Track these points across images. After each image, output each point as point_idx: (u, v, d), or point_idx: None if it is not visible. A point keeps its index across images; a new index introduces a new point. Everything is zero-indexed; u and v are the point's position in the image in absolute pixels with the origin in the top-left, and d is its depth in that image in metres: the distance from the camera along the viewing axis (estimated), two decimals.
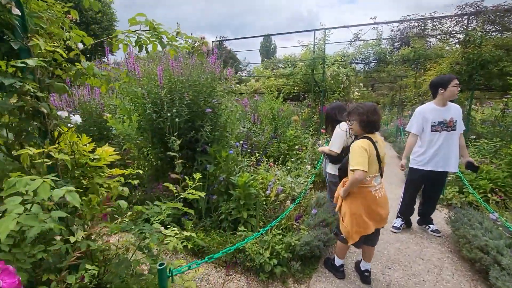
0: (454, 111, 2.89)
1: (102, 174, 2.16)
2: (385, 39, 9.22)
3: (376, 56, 11.11)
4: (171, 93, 2.89)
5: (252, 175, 2.85)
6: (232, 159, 2.97)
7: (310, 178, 3.11)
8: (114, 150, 2.14)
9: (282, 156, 5.30)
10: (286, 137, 5.41)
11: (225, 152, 2.87)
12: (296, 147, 5.25)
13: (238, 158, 3.02)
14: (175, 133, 2.92)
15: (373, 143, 2.01)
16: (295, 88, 8.83)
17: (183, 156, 3.18)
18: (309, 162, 3.95)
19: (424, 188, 3.17)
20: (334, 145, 2.70)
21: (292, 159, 4.85)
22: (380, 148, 2.05)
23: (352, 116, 2.13)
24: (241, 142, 2.84)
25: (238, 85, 10.50)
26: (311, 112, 7.57)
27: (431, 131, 2.95)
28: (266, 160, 4.84)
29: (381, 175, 2.13)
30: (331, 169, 2.85)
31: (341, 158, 2.73)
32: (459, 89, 2.84)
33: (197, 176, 2.19)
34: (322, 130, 5.39)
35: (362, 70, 11.83)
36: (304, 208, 3.31)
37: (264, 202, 3.00)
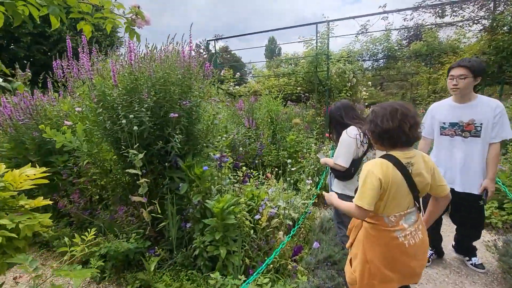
0: (481, 111, 2.04)
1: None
2: (397, 29, 8.45)
3: (385, 52, 10.35)
4: (128, 94, 2.27)
5: (234, 198, 2.19)
6: (210, 176, 2.32)
7: (311, 199, 2.42)
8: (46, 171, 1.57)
9: (282, 165, 4.62)
10: (286, 143, 4.73)
11: (199, 168, 2.22)
12: (298, 154, 4.56)
13: (217, 174, 2.36)
14: (137, 145, 2.29)
15: (400, 165, 1.32)
16: (298, 88, 8.15)
17: (152, 172, 2.55)
18: (310, 175, 3.27)
19: (451, 210, 2.39)
20: (340, 157, 2.02)
21: (293, 169, 4.16)
22: (419, 173, 1.34)
23: (365, 125, 1.48)
24: (220, 153, 2.17)
25: (237, 87, 9.89)
26: (316, 113, 6.87)
27: (440, 135, 2.24)
28: (263, 171, 4.17)
29: (420, 209, 1.44)
30: (338, 187, 2.17)
31: (350, 174, 2.05)
32: (462, 82, 2.03)
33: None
34: (326, 134, 4.69)
35: (370, 68, 11.07)
36: (304, 234, 2.62)
37: (253, 231, 2.33)
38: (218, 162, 2.24)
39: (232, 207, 2.07)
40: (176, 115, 2.20)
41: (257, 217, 2.43)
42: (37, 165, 3.11)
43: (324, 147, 4.34)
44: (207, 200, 2.20)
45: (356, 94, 9.72)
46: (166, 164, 2.40)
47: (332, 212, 2.44)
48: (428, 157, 1.42)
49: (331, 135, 2.36)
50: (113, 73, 2.19)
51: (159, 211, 2.27)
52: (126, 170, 2.27)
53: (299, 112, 6.93)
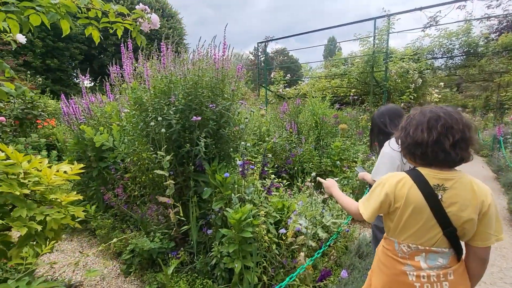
0: None
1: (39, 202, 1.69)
2: (478, 19, 7.10)
3: (463, 48, 8.82)
4: (160, 97, 2.32)
5: (254, 209, 2.04)
6: (233, 183, 2.22)
7: (346, 219, 2.09)
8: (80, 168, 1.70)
9: (325, 173, 4.27)
10: (331, 149, 4.36)
11: (220, 175, 2.13)
12: (343, 163, 4.14)
13: (242, 181, 2.24)
14: (165, 146, 2.33)
15: (425, 186, 1.03)
16: (352, 90, 7.52)
17: (183, 174, 2.58)
18: (353, 189, 2.88)
19: None
20: (380, 173, 1.68)
21: (335, 179, 3.79)
22: (454, 202, 1.01)
23: (396, 131, 1.20)
24: (244, 159, 2.05)
25: (287, 89, 9.69)
26: (370, 118, 6.21)
27: None
28: (302, 179, 3.91)
29: (459, 253, 1.07)
30: None
31: None
32: None
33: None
34: (375, 143, 4.15)
35: (443, 66, 9.58)
36: (337, 257, 2.30)
37: (275, 246, 2.14)
38: (241, 170, 2.11)
39: (251, 219, 1.92)
40: (199, 118, 2.15)
41: (282, 231, 2.23)
42: (93, 159, 3.47)
43: (374, 157, 3.83)
44: (227, 208, 2.09)
45: (424, 97, 8.52)
46: (192, 167, 2.39)
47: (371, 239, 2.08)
48: (483, 188, 1.03)
49: (371, 147, 2.02)
50: (147, 77, 2.27)
51: (181, 214, 2.26)
52: (154, 171, 2.33)
53: (353, 116, 6.36)
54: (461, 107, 1.50)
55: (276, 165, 4.46)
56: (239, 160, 2.16)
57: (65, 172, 1.86)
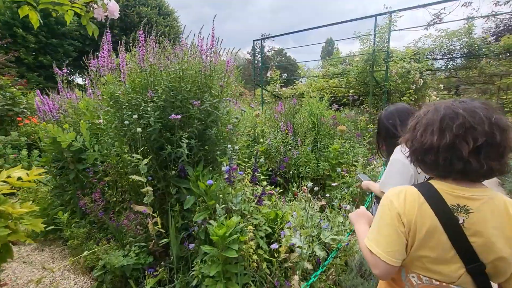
0: None
1: None
2: (484, 17, 6.92)
3: (464, 49, 8.63)
4: (137, 92, 2.05)
5: (241, 221, 1.77)
6: (218, 192, 1.94)
7: (346, 235, 1.82)
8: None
9: (322, 178, 4.01)
10: (329, 152, 4.10)
11: (203, 182, 1.85)
12: (342, 167, 3.89)
13: (229, 189, 1.96)
14: (144, 148, 2.05)
15: (440, 204, 0.80)
16: (350, 90, 7.29)
17: (165, 179, 2.30)
18: (352, 197, 2.62)
19: None
20: (390, 184, 1.42)
21: (334, 184, 3.53)
22: (479, 231, 0.78)
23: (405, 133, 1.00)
24: (232, 164, 1.78)
25: (284, 88, 9.44)
26: (369, 120, 5.97)
27: None
28: (298, 184, 3.65)
29: None
30: None
31: None
32: None
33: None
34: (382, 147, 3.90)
35: (443, 68, 9.39)
36: (335, 276, 2.04)
37: (266, 264, 1.86)
38: (227, 176, 1.83)
39: (237, 235, 1.64)
40: (179, 116, 1.88)
41: (274, 246, 1.96)
42: (70, 160, 3.17)
43: (375, 161, 3.59)
44: (211, 221, 1.82)
45: (423, 99, 8.32)
46: (173, 172, 2.12)
47: None
48: (507, 204, 0.78)
49: (379, 151, 1.75)
50: (122, 70, 1.99)
51: (159, 225, 1.98)
52: (130, 176, 2.05)
53: (352, 117, 6.10)
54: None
55: (271, 169, 4.19)
56: (226, 165, 1.89)
57: (19, 178, 1.58)
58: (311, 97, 4.88)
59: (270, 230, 2.04)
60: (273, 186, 4.13)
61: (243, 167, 2.28)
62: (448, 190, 0.80)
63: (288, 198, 3.34)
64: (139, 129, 1.91)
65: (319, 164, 3.96)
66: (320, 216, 2.75)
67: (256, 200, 2.06)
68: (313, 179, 4.03)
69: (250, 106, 2.33)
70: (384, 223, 0.86)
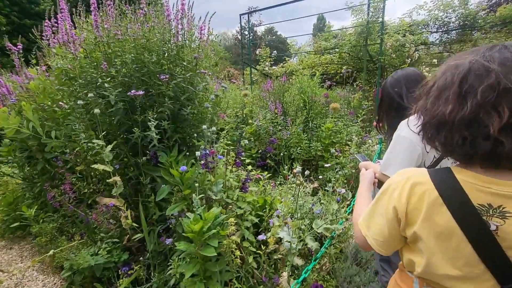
0: None
1: None
2: None
3: (459, 21, 8.31)
4: (93, 66, 1.72)
5: (222, 212, 1.54)
6: (195, 180, 1.69)
7: (339, 221, 1.61)
8: None
9: (315, 159, 3.81)
10: (321, 132, 3.87)
11: (175, 170, 1.60)
12: (335, 146, 3.68)
13: (209, 177, 1.72)
14: (106, 132, 1.77)
15: (459, 202, 0.57)
16: (344, 66, 6.97)
17: (133, 167, 2.03)
18: (346, 179, 2.41)
19: None
20: (393, 165, 1.19)
21: (327, 165, 3.33)
22: None
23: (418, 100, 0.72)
24: (204, 147, 1.53)
25: (274, 67, 9.03)
26: (363, 97, 5.73)
27: None
28: (288, 167, 3.43)
29: None
30: None
31: None
32: None
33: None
34: (374, 124, 3.68)
35: (437, 41, 9.08)
36: (329, 266, 1.86)
37: (252, 258, 1.66)
38: (203, 162, 1.58)
39: (217, 229, 1.42)
40: (140, 93, 1.58)
41: (261, 237, 1.76)
42: (36, 149, 2.85)
43: (370, 140, 3.38)
44: (188, 213, 1.58)
45: None
46: (144, 158, 1.85)
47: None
48: None
49: (379, 126, 1.51)
50: (72, 39, 1.65)
51: (129, 218, 1.74)
52: (92, 166, 1.78)
53: (344, 96, 5.83)
54: None
55: (260, 151, 3.96)
56: (205, 148, 1.63)
57: None
58: (302, 74, 4.57)
59: (256, 220, 1.82)
60: (263, 170, 3.93)
61: (225, 150, 2.03)
62: (475, 183, 0.57)
63: (279, 182, 3.14)
64: (96, 110, 1.61)
65: (311, 145, 3.74)
66: (312, 200, 2.56)
67: (241, 187, 1.83)
68: (305, 161, 3.82)
69: (232, 81, 2.04)
70: (378, 212, 0.72)
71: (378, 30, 5.35)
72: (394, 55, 5.70)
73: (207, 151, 1.59)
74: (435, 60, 9.60)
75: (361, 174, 1.17)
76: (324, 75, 6.98)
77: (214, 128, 1.64)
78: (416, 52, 5.92)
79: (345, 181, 2.71)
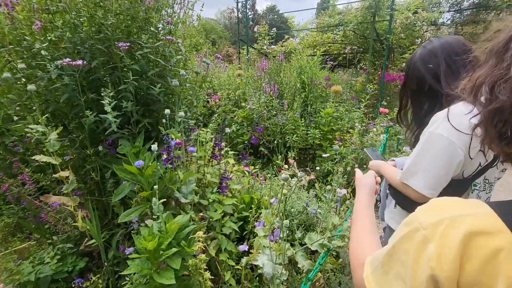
0: None
1: None
2: None
3: (474, 0, 7.71)
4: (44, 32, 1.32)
5: (193, 218, 1.22)
6: (159, 177, 1.35)
7: (338, 228, 1.28)
8: None
9: (312, 148, 3.47)
10: (320, 118, 3.51)
11: (130, 166, 1.25)
12: (335, 134, 3.33)
13: (178, 174, 1.38)
14: (46, 115, 1.40)
15: None
16: (347, 47, 6.46)
17: (91, 159, 1.68)
18: (345, 175, 2.08)
19: None
20: (420, 172, 0.84)
21: (325, 155, 2.99)
22: None
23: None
24: (168, 138, 1.17)
25: (273, 46, 8.47)
26: (367, 80, 5.30)
27: None
28: (282, 156, 3.10)
29: None
30: (397, 216, 1.05)
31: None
32: None
33: None
34: (381, 110, 3.32)
35: (449, 22, 8.49)
36: (325, 280, 1.57)
37: (230, 274, 1.36)
38: (165, 157, 1.23)
39: (178, 247, 1.09)
40: (78, 62, 1.20)
41: (242, 247, 1.45)
42: None
43: (375, 128, 3.03)
44: (148, 221, 1.26)
45: None
46: (101, 148, 1.50)
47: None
48: None
49: (400, 115, 1.13)
50: None
51: (80, 221, 1.41)
52: (33, 157, 1.43)
53: (346, 79, 5.38)
54: None
55: (253, 137, 3.61)
56: (167, 136, 1.27)
57: None
58: (301, 54, 4.12)
59: (236, 227, 1.51)
60: (256, 158, 3.61)
61: (211, 138, 1.68)
62: None
63: (270, 175, 2.81)
64: (30, 87, 1.24)
65: (308, 132, 3.39)
66: (307, 197, 2.25)
67: (218, 186, 1.49)
68: (301, 149, 3.49)
69: (216, 56, 1.68)
70: (396, 271, 0.40)
71: (388, 5, 4.83)
72: (403, 34, 5.22)
73: (173, 142, 1.24)
74: None
75: (357, 179, 0.83)
76: (326, 56, 6.49)
77: (182, 113, 1.28)
78: (427, 32, 5.42)
79: (344, 172, 2.39)
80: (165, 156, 1.24)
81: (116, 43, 1.33)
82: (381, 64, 5.47)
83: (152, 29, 1.38)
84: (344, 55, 6.67)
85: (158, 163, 1.29)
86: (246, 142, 3.69)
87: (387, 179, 1.00)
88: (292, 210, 1.97)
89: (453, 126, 0.76)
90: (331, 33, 6.31)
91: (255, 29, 8.01)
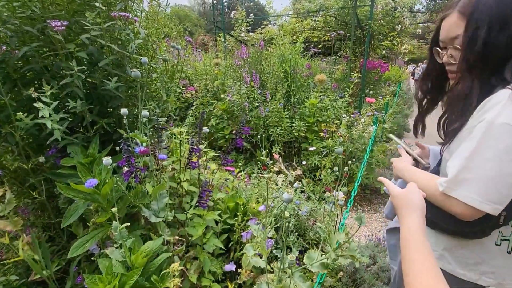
0: None
1: None
2: None
3: None
4: None
5: (168, 242, 0.98)
6: (125, 192, 1.09)
7: (327, 257, 1.12)
8: None
9: (296, 142, 3.30)
10: (304, 109, 3.32)
11: (78, 185, 0.98)
12: (321, 126, 3.17)
13: (141, 187, 1.12)
14: None
15: None
16: (328, 34, 6.29)
17: (31, 172, 1.36)
18: (331, 165, 1.91)
19: None
20: (477, 179, 0.60)
21: (311, 149, 2.82)
22: None
23: None
24: (125, 146, 0.89)
25: (251, 33, 8.13)
26: (348, 68, 5.18)
27: None
28: (266, 152, 2.89)
29: None
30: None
31: (490, 225, 0.68)
32: None
33: None
34: (368, 100, 3.18)
35: (423, 9, 8.58)
36: None
37: None
38: (126, 170, 0.97)
39: (148, 284, 0.85)
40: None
41: (228, 267, 1.24)
42: None
43: (362, 119, 2.89)
44: (109, 250, 1.00)
45: (400, 46, 7.64)
46: (43, 158, 1.20)
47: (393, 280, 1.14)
48: None
49: (429, 90, 0.86)
50: None
51: (21, 250, 1.12)
52: None
53: (325, 67, 5.21)
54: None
55: (235, 131, 3.36)
56: (126, 142, 1.01)
57: None
58: (282, 41, 3.88)
59: (221, 245, 1.29)
60: (238, 153, 3.38)
61: (178, 142, 1.42)
62: None
63: (255, 173, 2.60)
64: None
65: (293, 124, 3.20)
66: (298, 197, 2.07)
67: (198, 203, 1.25)
68: (286, 143, 3.30)
69: (185, 39, 1.46)
70: None
71: None
72: (383, 20, 5.12)
73: (138, 149, 0.97)
74: (419, 30, 9.18)
75: (397, 197, 0.64)
76: (306, 43, 6.29)
77: (146, 112, 1.01)
78: (407, 19, 5.37)
79: (331, 167, 2.23)
80: (126, 168, 0.97)
81: (48, 22, 1.02)
82: (362, 52, 5.37)
83: (98, 4, 1.07)
84: (324, 43, 6.52)
85: (118, 178, 1.02)
86: (227, 137, 3.44)
87: (422, 187, 0.71)
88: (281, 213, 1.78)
89: None
90: (311, 20, 6.09)
91: (232, 15, 7.61)
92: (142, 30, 1.23)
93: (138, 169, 1.00)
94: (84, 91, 1.36)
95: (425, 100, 0.88)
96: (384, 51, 5.95)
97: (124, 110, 0.94)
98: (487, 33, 0.61)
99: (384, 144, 3.15)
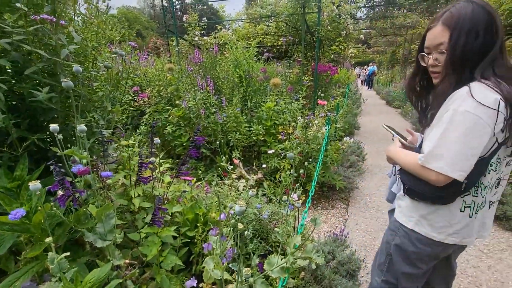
0: None
1: None
2: None
3: None
4: None
5: (119, 266, 0.89)
6: (63, 217, 0.97)
7: (290, 264, 1.12)
8: None
9: (255, 145, 3.32)
10: (261, 112, 3.37)
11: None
12: (278, 128, 3.24)
13: (85, 208, 1.01)
14: None
15: None
16: (281, 39, 6.50)
17: None
18: (292, 177, 1.94)
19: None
20: (447, 156, 0.78)
21: (270, 151, 2.87)
22: None
23: None
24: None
25: (205, 38, 8.02)
26: (301, 71, 5.42)
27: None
28: (226, 157, 2.86)
29: None
30: (407, 212, 0.99)
31: (456, 191, 0.85)
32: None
33: None
34: (320, 102, 3.35)
35: (364, 17, 9.40)
36: None
37: None
38: (60, 195, 0.86)
39: None
40: None
41: (189, 283, 1.19)
42: None
43: (316, 120, 3.03)
44: (47, 284, 0.87)
45: (346, 50, 8.23)
46: None
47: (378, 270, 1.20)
48: None
49: (416, 88, 1.03)
50: None
51: None
52: None
53: (280, 71, 5.38)
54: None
55: (192, 139, 3.26)
56: (56, 163, 0.90)
57: None
58: (235, 45, 3.89)
59: (180, 262, 1.22)
60: (198, 160, 3.28)
61: (127, 155, 1.32)
62: None
63: (213, 180, 2.55)
64: None
65: (251, 128, 3.22)
66: (259, 200, 2.07)
67: (151, 218, 1.17)
68: (246, 147, 3.31)
69: (129, 44, 1.36)
70: None
71: None
72: (329, 27, 5.47)
73: (76, 168, 0.87)
74: (362, 36, 10.01)
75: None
76: (260, 48, 6.41)
77: (83, 127, 0.91)
78: (350, 25, 5.81)
79: (290, 167, 2.29)
80: (60, 192, 0.86)
81: None
82: (312, 56, 5.66)
83: (19, 5, 0.94)
84: (278, 47, 6.72)
85: (54, 203, 0.90)
86: (185, 144, 3.32)
87: (404, 164, 0.93)
88: (243, 220, 1.77)
89: (479, 101, 0.72)
90: (264, 25, 6.24)
91: (184, 19, 7.42)
92: (76, 35, 1.11)
93: (75, 192, 0.89)
94: (10, 103, 1.19)
95: (419, 101, 1.04)
96: (332, 55, 6.35)
97: (53, 127, 0.83)
98: (466, 41, 0.78)
99: (337, 143, 3.35)
